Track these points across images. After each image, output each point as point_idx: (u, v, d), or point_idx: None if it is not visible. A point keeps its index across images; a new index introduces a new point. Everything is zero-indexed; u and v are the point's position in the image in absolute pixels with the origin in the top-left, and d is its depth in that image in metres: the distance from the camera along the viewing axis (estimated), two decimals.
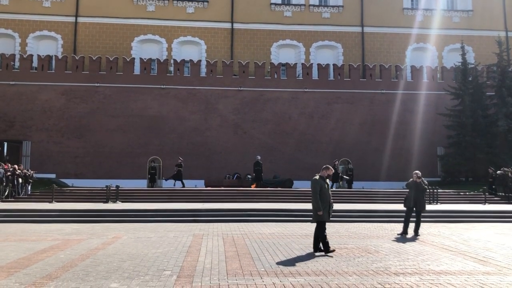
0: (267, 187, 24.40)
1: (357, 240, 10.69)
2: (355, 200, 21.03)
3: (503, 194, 22.77)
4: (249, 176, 26.41)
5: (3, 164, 21.55)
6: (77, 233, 11.87)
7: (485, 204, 20.30)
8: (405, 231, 11.75)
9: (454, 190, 24.01)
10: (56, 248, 9.21)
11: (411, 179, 12.17)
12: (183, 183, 24.96)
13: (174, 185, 25.39)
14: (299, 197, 21.40)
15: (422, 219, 12.26)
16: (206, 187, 25.34)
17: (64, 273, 6.89)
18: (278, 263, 7.70)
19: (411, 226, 11.88)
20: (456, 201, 21.71)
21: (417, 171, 12.20)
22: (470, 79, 29.62)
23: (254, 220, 14.93)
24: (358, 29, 33.87)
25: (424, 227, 13.30)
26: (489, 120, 28.84)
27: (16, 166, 21.42)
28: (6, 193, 19.96)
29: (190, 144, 29.02)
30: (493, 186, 23.63)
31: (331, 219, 9.14)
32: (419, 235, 11.59)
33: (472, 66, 30.42)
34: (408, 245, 10.03)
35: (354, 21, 33.91)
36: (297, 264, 7.66)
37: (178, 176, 25.16)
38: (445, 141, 29.03)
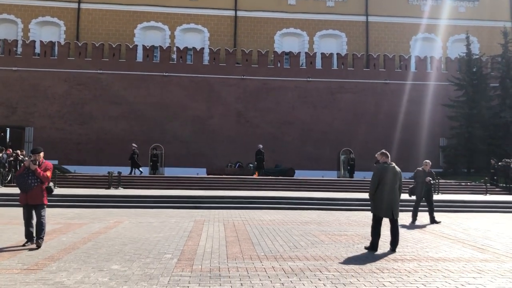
0: (269, 176, 24.45)
1: (357, 227, 10.76)
2: (356, 189, 21.05)
3: (504, 185, 22.77)
4: (251, 165, 26.45)
5: (6, 150, 21.65)
6: (79, 217, 11.97)
7: (486, 194, 20.32)
8: (432, 220, 11.94)
9: (456, 181, 24.00)
10: (58, 232, 9.30)
11: (420, 168, 12.23)
12: (140, 170, 24.23)
13: (133, 173, 24.31)
14: (301, 185, 21.49)
15: (422, 208, 12.35)
16: (208, 175, 25.39)
17: (66, 255, 6.98)
18: (278, 248, 7.76)
19: (421, 214, 12.07)
20: (458, 191, 21.71)
21: (428, 161, 12.30)
22: (474, 70, 29.44)
23: (255, 208, 15.00)
24: (363, 18, 33.62)
25: (425, 216, 13.34)
26: (493, 111, 28.71)
27: (18, 152, 21.53)
28: (9, 178, 20.10)
29: (193, 132, 29.05)
30: (495, 177, 23.61)
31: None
32: (416, 221, 11.82)
33: (477, 57, 30.21)
34: (407, 232, 10.08)
35: (358, 10, 33.64)
36: (296, 249, 7.72)
37: (134, 164, 24.38)
38: (447, 132, 28.97)
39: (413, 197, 12.37)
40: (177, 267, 6.25)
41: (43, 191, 7.70)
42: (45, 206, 7.83)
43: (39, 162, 7.71)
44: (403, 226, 11.24)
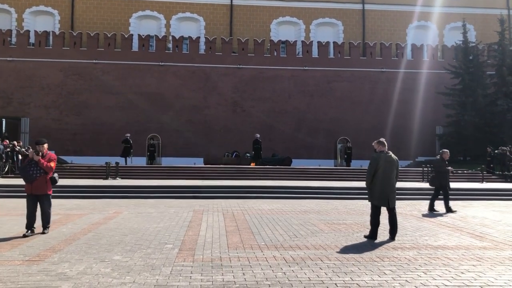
0: (266, 165, 24.47)
1: (356, 216, 10.82)
2: (354, 178, 21.12)
3: (500, 172, 22.91)
4: (248, 154, 26.47)
5: (2, 141, 21.54)
6: (78, 208, 11.97)
7: (482, 182, 20.45)
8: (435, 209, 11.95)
9: (452, 169, 24.10)
10: (58, 223, 9.30)
11: (438, 157, 12.29)
12: (126, 161, 23.95)
13: (130, 162, 24.31)
14: (298, 175, 21.53)
15: (424, 197, 12.42)
16: (205, 164, 25.41)
17: (67, 246, 6.99)
18: (278, 238, 7.80)
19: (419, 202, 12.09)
20: (454, 179, 21.74)
21: (446, 150, 12.37)
22: (470, 58, 29.45)
23: (253, 197, 15.04)
24: (359, 6, 33.44)
25: (422, 204, 13.45)
26: (489, 99, 28.81)
27: (15, 143, 21.42)
28: (6, 169, 20.02)
29: (189, 121, 28.99)
30: (491, 165, 23.75)
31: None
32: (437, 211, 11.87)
33: (473, 44, 30.21)
34: (406, 221, 10.15)
35: None
36: (296, 238, 7.77)
37: (124, 153, 24.19)
38: (444, 120, 29.05)
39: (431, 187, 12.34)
40: (179, 257, 6.27)
41: (47, 181, 7.97)
42: (50, 196, 8.15)
43: (43, 153, 7.93)
44: (405, 215, 11.32)
